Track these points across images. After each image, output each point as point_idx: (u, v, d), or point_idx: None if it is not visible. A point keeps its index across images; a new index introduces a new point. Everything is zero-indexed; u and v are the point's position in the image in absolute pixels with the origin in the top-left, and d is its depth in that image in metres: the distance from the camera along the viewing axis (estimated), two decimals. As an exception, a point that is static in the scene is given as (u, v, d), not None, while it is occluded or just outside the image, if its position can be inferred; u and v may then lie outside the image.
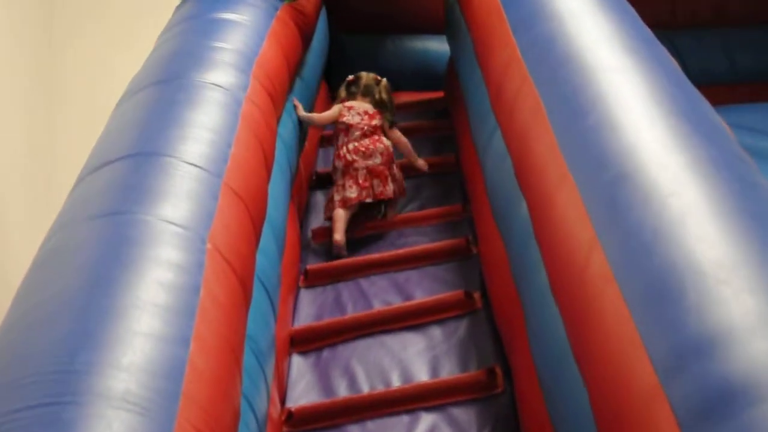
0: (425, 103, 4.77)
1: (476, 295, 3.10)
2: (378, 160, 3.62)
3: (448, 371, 2.82)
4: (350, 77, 3.83)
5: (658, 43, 2.53)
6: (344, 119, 3.67)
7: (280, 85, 3.07)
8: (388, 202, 3.70)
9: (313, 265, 3.42)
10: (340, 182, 3.61)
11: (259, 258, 2.35)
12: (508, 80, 2.72)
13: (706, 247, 1.58)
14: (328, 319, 3.10)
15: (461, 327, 3.01)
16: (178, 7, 3.34)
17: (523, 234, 2.39)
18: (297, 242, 3.44)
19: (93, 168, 2.13)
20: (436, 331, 3.01)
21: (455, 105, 4.22)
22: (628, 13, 2.70)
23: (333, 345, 2.98)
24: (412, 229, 3.65)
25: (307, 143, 3.87)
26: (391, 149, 3.69)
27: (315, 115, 3.76)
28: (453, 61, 4.33)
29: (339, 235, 3.49)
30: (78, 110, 5.48)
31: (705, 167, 1.80)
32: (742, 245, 1.56)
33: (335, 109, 3.73)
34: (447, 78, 4.62)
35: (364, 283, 3.31)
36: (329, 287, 3.32)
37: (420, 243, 3.51)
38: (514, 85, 2.64)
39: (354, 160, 3.59)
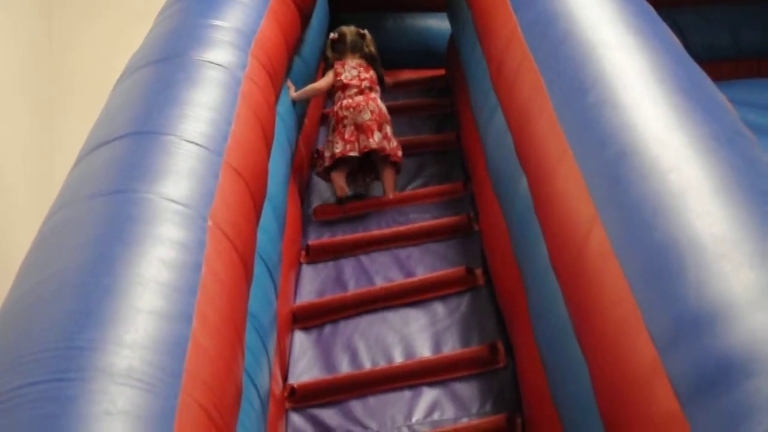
0: (426, 80, 4.76)
1: (478, 272, 3.11)
2: (367, 116, 3.63)
3: (451, 347, 2.84)
4: (333, 35, 3.84)
5: (659, 20, 2.52)
6: (340, 78, 3.71)
7: (279, 64, 3.06)
8: (386, 178, 3.68)
9: (315, 240, 3.42)
10: (329, 137, 3.67)
11: (260, 235, 2.35)
12: (509, 57, 2.72)
13: (707, 222, 1.57)
14: (329, 296, 3.12)
15: (463, 303, 3.02)
16: (177, -15, 3.33)
17: (524, 210, 2.40)
18: (298, 219, 3.44)
19: (93, 147, 2.13)
20: (438, 308, 3.02)
21: (456, 82, 4.21)
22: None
23: (335, 321, 2.99)
24: (414, 206, 3.66)
25: (307, 121, 3.86)
26: (384, 110, 3.70)
27: (309, 86, 3.73)
28: (454, 38, 4.31)
29: (341, 192, 3.65)
30: (78, 109, 5.47)
31: (706, 144, 1.80)
32: (743, 220, 1.56)
33: (329, 74, 3.75)
34: (448, 55, 4.61)
35: (365, 259, 3.32)
36: (331, 263, 3.33)
37: (421, 220, 3.52)
38: (515, 62, 2.63)
39: (344, 116, 3.63)
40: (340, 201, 3.68)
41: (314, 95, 3.82)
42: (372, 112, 3.64)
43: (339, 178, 3.67)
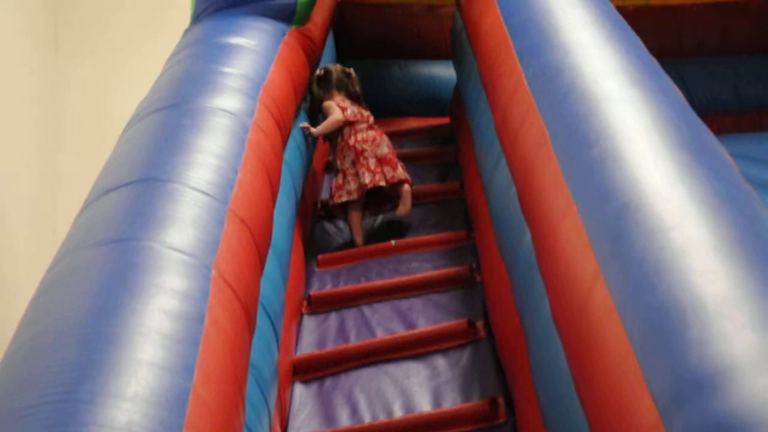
0: (431, 129, 4.79)
1: (479, 324, 3.10)
2: (385, 150, 3.82)
3: (451, 401, 2.81)
4: (319, 71, 3.93)
5: (663, 73, 2.54)
6: (348, 113, 3.82)
7: (287, 111, 3.09)
8: (404, 198, 3.81)
9: (317, 291, 3.42)
10: (351, 171, 3.78)
11: (264, 285, 2.35)
12: (514, 108, 2.74)
13: (708, 281, 1.57)
14: (330, 348, 3.10)
15: (464, 356, 3.01)
16: (186, 31, 3.37)
17: (527, 263, 2.39)
18: (301, 269, 3.44)
19: (99, 193, 2.14)
20: (439, 361, 3.00)
21: (460, 131, 4.23)
22: (633, 44, 2.71)
23: (335, 374, 2.97)
24: (416, 254, 3.66)
25: (312, 170, 3.88)
26: (390, 143, 3.86)
27: (323, 125, 3.80)
28: (459, 87, 4.34)
29: (360, 239, 3.79)
30: (82, 127, 5.53)
31: (708, 200, 1.80)
32: (744, 279, 1.56)
33: (335, 111, 3.82)
34: (453, 104, 4.63)
35: (367, 310, 3.31)
36: (332, 314, 3.31)
37: (423, 269, 3.51)
38: (520, 114, 2.65)
39: (364, 149, 3.78)
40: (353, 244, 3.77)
41: (334, 128, 3.85)
42: (388, 146, 3.84)
43: (357, 220, 3.80)
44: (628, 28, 2.86)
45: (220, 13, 3.34)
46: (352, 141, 3.79)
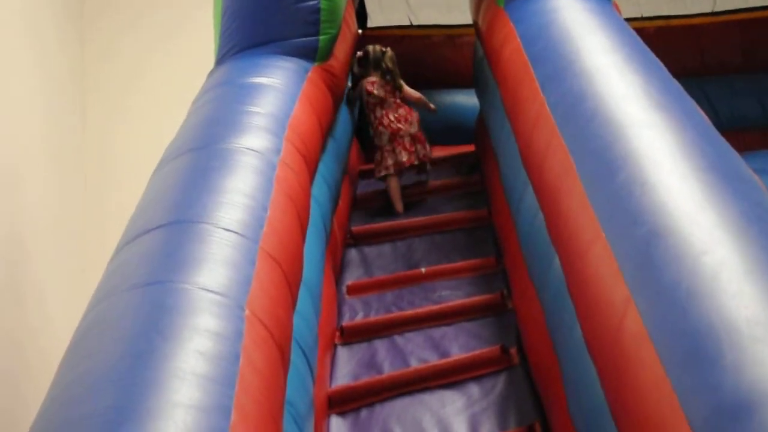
0: (456, 157, 4.81)
1: (513, 351, 3.09)
2: (416, 128, 4.25)
3: (488, 429, 2.80)
4: (359, 53, 4.34)
5: (686, 95, 2.54)
6: (375, 93, 4.23)
7: (313, 147, 3.11)
8: (421, 171, 4.34)
9: (349, 322, 3.43)
10: (388, 147, 4.21)
11: (296, 320, 2.36)
12: (538, 135, 2.75)
13: (741, 304, 1.57)
14: (365, 379, 3.10)
15: (499, 383, 3.00)
16: (211, 73, 3.41)
17: (558, 291, 2.40)
18: (333, 301, 3.45)
19: (131, 237, 2.16)
20: (473, 388, 3.00)
21: (486, 159, 4.25)
22: (655, 67, 2.72)
23: (371, 405, 2.97)
24: (446, 281, 3.66)
25: (340, 202, 3.91)
26: (419, 119, 4.29)
27: (347, 98, 4.28)
28: (483, 114, 4.36)
29: (400, 205, 4.23)
30: (108, 167, 5.61)
31: (737, 223, 1.80)
32: (777, 302, 1.56)
33: (360, 85, 4.30)
34: (477, 132, 4.65)
35: (399, 339, 3.31)
36: (365, 344, 3.32)
37: (454, 297, 3.51)
38: (544, 141, 2.66)
39: (399, 128, 4.20)
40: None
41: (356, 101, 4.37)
42: (417, 122, 4.27)
43: (396, 190, 4.24)
44: (649, 51, 2.86)
45: (243, 53, 3.38)
46: (386, 121, 4.20)
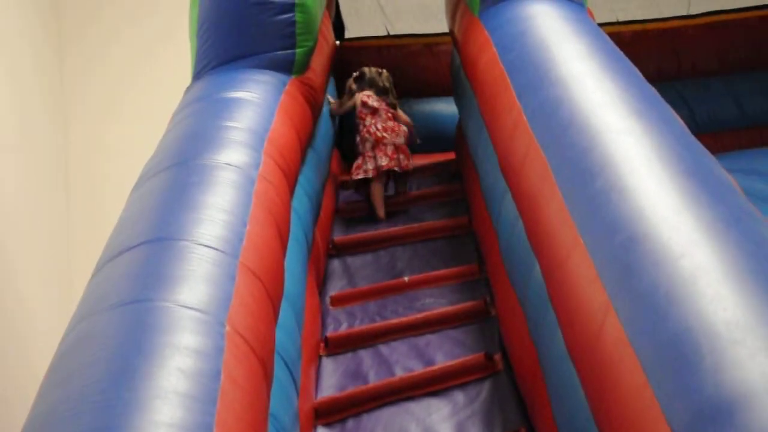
0: (437, 165, 4.82)
1: (497, 357, 3.10)
2: (401, 140, 4.37)
3: (474, 437, 2.82)
4: (356, 73, 4.53)
5: (662, 101, 2.56)
6: (369, 103, 4.37)
7: (293, 160, 3.11)
8: (400, 182, 4.46)
9: (333, 333, 3.43)
10: (369, 153, 4.33)
11: (279, 334, 2.36)
12: (515, 144, 2.76)
13: (720, 307, 1.58)
14: (351, 389, 3.10)
15: (483, 390, 3.01)
16: (188, 89, 3.41)
17: (539, 297, 2.41)
18: (317, 312, 3.45)
19: (110, 256, 2.16)
20: (459, 396, 3.01)
21: (466, 166, 4.26)
22: (630, 74, 2.73)
23: (357, 414, 2.97)
24: (429, 290, 3.67)
25: (322, 213, 3.91)
26: (407, 134, 4.42)
27: (342, 103, 4.53)
28: (461, 123, 4.38)
29: (382, 211, 4.32)
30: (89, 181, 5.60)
31: (715, 227, 1.82)
32: (755, 305, 1.57)
33: (354, 98, 4.45)
34: (457, 139, 4.66)
35: (384, 349, 3.32)
36: (350, 354, 3.32)
37: (438, 305, 3.52)
38: (521, 150, 2.67)
39: (383, 137, 4.32)
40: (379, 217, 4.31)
41: (348, 109, 4.50)
42: (404, 136, 4.39)
43: (377, 195, 4.34)
44: (624, 57, 2.88)
45: (220, 68, 3.38)
46: (373, 129, 4.32)
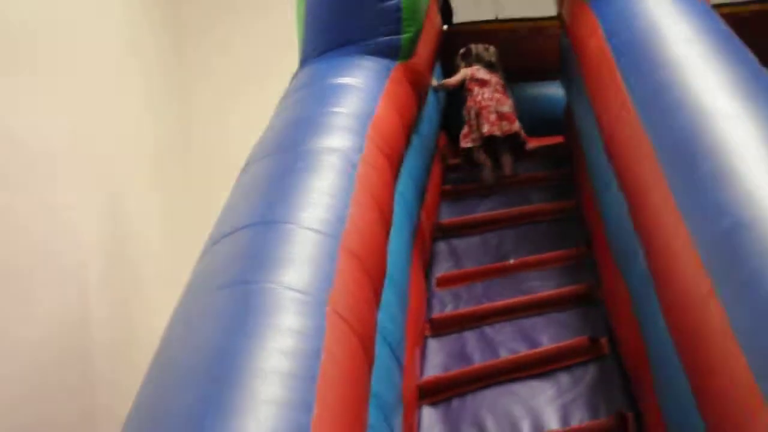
0: (545, 148, 4.78)
1: (603, 341, 3.07)
2: (506, 108, 4.43)
3: (579, 419, 2.80)
4: (462, 50, 4.68)
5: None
6: (478, 76, 4.51)
7: (396, 144, 3.14)
8: (506, 160, 4.44)
9: (439, 314, 3.45)
10: (473, 122, 4.41)
11: (382, 315, 2.40)
12: (621, 127, 2.72)
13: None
14: (456, 370, 3.12)
15: (588, 373, 2.99)
16: (294, 75, 3.48)
17: (643, 282, 2.38)
18: (422, 293, 3.48)
19: (218, 238, 2.24)
20: (563, 378, 3.00)
21: (575, 150, 4.21)
22: (742, 56, 2.66)
23: (462, 395, 3.00)
24: (534, 272, 3.66)
25: (428, 196, 3.93)
26: (515, 106, 4.47)
27: (446, 80, 4.61)
28: (569, 106, 4.33)
29: (489, 176, 4.41)
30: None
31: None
32: None
33: (461, 72, 4.58)
34: (565, 122, 4.62)
35: (489, 330, 3.33)
36: (455, 335, 3.34)
37: (543, 287, 3.51)
38: (626, 133, 2.64)
39: (487, 105, 4.40)
40: (487, 180, 4.41)
41: (449, 88, 4.62)
42: (510, 106, 4.43)
43: (484, 160, 4.40)
44: (737, 39, 2.80)
45: (327, 54, 3.44)
46: (478, 98, 4.42)
